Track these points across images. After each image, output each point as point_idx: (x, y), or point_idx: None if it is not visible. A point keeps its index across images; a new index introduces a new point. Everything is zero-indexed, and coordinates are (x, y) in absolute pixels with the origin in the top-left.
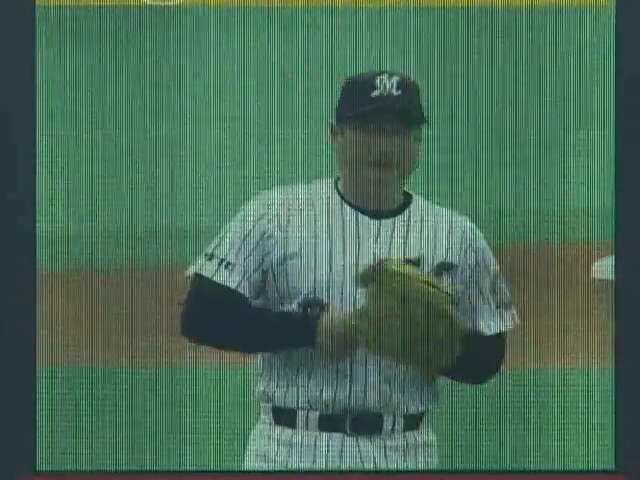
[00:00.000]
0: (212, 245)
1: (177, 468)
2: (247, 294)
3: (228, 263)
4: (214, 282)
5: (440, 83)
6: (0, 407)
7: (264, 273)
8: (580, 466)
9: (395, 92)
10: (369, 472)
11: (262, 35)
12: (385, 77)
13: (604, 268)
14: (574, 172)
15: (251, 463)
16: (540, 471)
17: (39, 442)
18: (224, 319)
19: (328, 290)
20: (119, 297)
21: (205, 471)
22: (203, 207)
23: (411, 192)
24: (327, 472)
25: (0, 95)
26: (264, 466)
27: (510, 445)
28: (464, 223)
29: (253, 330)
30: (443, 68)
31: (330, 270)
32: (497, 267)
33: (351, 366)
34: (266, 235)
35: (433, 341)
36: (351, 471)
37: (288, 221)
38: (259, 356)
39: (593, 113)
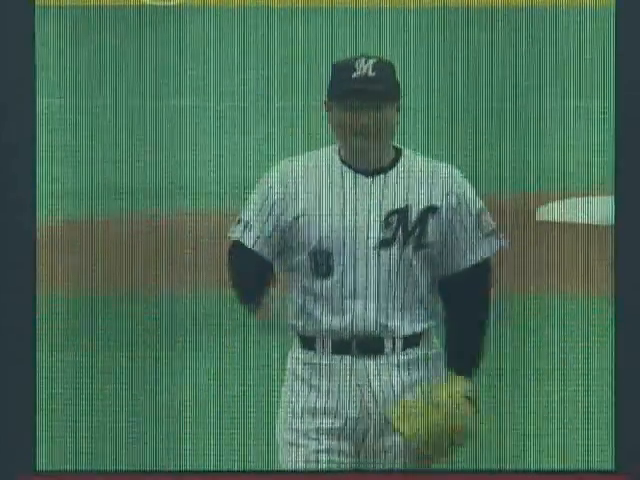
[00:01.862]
0: (241, 211)
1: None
2: (264, 253)
3: (250, 226)
4: (238, 242)
5: (443, 72)
6: (0, 407)
7: (282, 231)
8: (580, 466)
9: (370, 73)
10: (369, 472)
11: (262, 31)
12: (362, 61)
13: (545, 212)
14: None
15: (288, 382)
16: (540, 471)
17: (39, 442)
18: (242, 272)
19: (332, 241)
20: (119, 247)
21: (205, 471)
22: (202, 167)
23: (401, 147)
24: (328, 472)
25: (0, 95)
26: (296, 382)
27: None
28: (446, 170)
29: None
30: (444, 63)
31: (333, 224)
32: (480, 205)
33: (353, 301)
34: (280, 200)
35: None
36: (354, 471)
37: (299, 185)
38: (289, 297)
39: (593, 114)
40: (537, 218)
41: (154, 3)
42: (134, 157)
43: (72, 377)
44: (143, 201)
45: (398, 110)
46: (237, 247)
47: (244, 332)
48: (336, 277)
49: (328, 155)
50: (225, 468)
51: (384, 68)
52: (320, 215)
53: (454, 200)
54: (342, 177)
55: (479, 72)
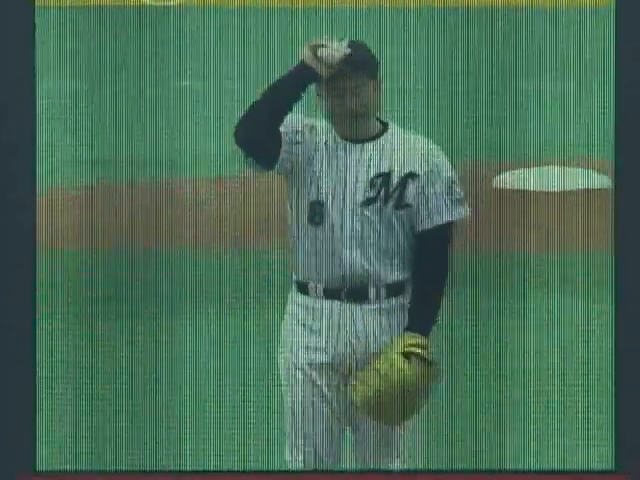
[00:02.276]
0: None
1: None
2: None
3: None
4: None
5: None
6: (0, 407)
7: (291, 164)
8: (580, 466)
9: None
10: (369, 472)
11: (262, 32)
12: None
13: (502, 181)
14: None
15: (286, 321)
16: (540, 471)
17: (39, 442)
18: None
19: (325, 196)
20: (119, 209)
21: (205, 471)
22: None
23: (388, 122)
24: (328, 472)
25: (0, 94)
26: (293, 322)
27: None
28: (424, 144)
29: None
30: (444, 63)
31: (329, 181)
32: (451, 174)
33: (341, 247)
34: (300, 137)
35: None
36: (354, 471)
37: (310, 138)
38: (290, 244)
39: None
40: (494, 185)
41: (154, 3)
42: (134, 129)
43: (72, 350)
44: (144, 170)
45: (379, 87)
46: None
47: (244, 298)
48: (327, 226)
49: (328, 125)
50: (226, 439)
51: (358, 45)
52: (321, 171)
53: (431, 169)
54: (336, 143)
55: (479, 72)
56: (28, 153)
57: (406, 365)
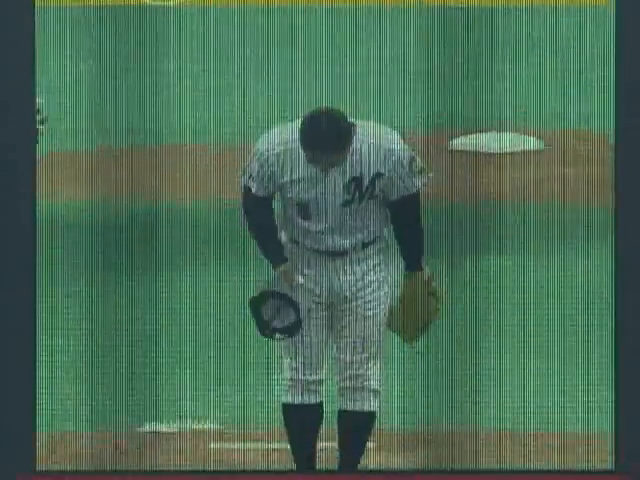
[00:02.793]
0: (247, 165)
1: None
2: (263, 195)
3: (251, 176)
4: (247, 187)
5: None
6: (0, 407)
7: (270, 187)
8: (580, 466)
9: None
10: (369, 472)
11: (262, 31)
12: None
13: (457, 144)
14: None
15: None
16: (540, 471)
17: (39, 442)
18: (250, 210)
19: (310, 200)
20: (119, 166)
21: (205, 471)
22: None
23: (354, 122)
24: (327, 472)
25: (0, 94)
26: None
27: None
28: (385, 141)
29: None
30: (444, 63)
31: (310, 188)
32: (409, 153)
33: (326, 235)
34: (276, 169)
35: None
36: (354, 471)
37: (287, 159)
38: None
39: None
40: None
41: (154, 3)
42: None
43: (72, 309)
44: (144, 138)
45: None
46: (245, 189)
47: (243, 254)
48: (313, 220)
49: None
50: (225, 396)
51: (335, 120)
52: (300, 182)
53: (394, 163)
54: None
55: (479, 72)
56: (28, 151)
57: (432, 301)
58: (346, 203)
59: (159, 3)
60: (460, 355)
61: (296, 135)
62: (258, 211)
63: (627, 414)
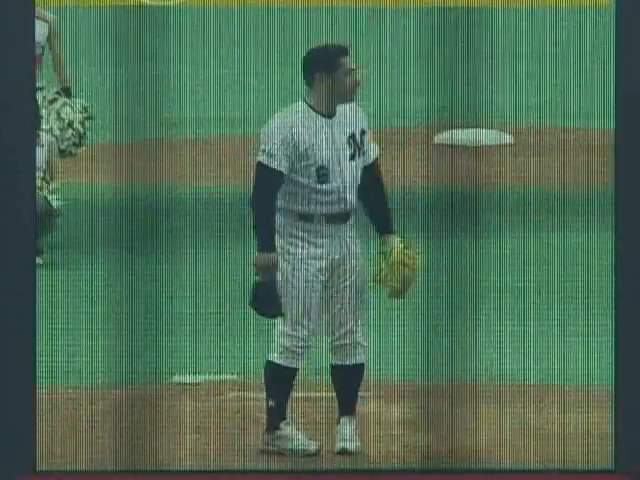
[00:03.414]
0: (263, 145)
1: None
2: (284, 168)
3: (271, 152)
4: (264, 164)
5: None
6: (0, 407)
7: (292, 158)
8: (580, 466)
9: None
10: (369, 472)
11: (262, 31)
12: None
13: (440, 139)
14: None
15: (285, 245)
16: (540, 471)
17: (39, 442)
18: (265, 189)
19: (326, 160)
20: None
21: (205, 471)
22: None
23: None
24: (328, 472)
25: (1, 94)
26: (295, 240)
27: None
28: (357, 108)
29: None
30: (444, 63)
31: (324, 150)
32: (367, 123)
33: (340, 191)
34: (292, 139)
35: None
36: (355, 471)
37: (300, 130)
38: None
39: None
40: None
41: (154, 3)
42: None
43: (72, 284)
44: (144, 131)
45: (345, 74)
46: (261, 168)
47: (243, 230)
48: (330, 180)
49: (304, 108)
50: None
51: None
52: (318, 145)
53: (366, 123)
54: (315, 120)
55: (478, 71)
56: (28, 150)
57: (410, 262)
58: (352, 157)
59: (159, 3)
60: (460, 314)
61: (304, 106)
62: (273, 190)
63: (627, 414)
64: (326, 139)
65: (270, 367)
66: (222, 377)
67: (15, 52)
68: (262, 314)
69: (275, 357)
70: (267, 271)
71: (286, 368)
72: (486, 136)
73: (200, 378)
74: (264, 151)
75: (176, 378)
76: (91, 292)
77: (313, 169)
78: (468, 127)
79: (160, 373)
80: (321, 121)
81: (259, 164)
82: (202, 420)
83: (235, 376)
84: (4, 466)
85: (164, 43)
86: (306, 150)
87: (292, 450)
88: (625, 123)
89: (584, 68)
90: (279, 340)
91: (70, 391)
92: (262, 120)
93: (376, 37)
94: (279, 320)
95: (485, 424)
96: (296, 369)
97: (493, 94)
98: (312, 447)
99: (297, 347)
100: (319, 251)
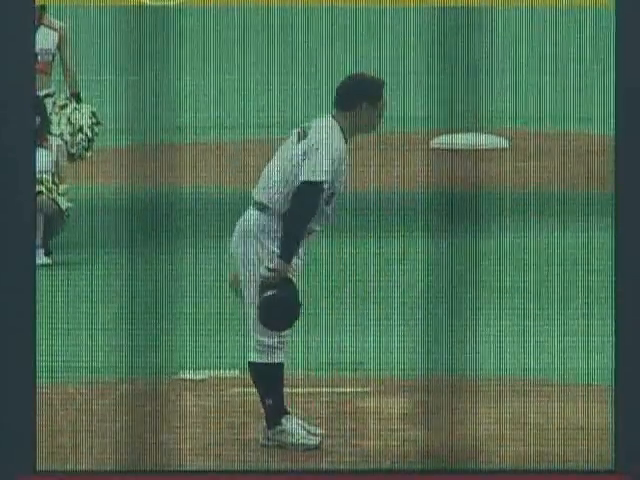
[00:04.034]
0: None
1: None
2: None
3: (325, 170)
4: (317, 182)
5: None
6: (0, 407)
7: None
8: (580, 466)
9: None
10: (369, 472)
11: (262, 31)
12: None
13: (436, 142)
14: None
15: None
16: (540, 471)
17: (39, 442)
18: (313, 206)
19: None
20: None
21: (205, 471)
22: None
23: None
24: (328, 472)
25: (0, 94)
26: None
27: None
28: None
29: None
30: (444, 63)
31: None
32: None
33: (334, 209)
34: (338, 158)
35: None
36: (354, 471)
37: (340, 151)
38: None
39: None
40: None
41: (154, 3)
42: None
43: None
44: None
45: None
46: (317, 188)
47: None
48: (331, 203)
49: (339, 129)
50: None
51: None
52: (343, 169)
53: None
54: (345, 141)
55: (478, 71)
56: (28, 150)
57: None
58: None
59: (159, 3)
60: (460, 311)
61: (337, 126)
62: (319, 206)
63: (627, 414)
64: (346, 164)
65: (254, 368)
66: (223, 373)
67: (15, 52)
68: (289, 324)
69: (257, 357)
70: (281, 281)
71: (270, 365)
72: (484, 140)
73: (202, 375)
74: (314, 170)
75: (181, 375)
76: (91, 292)
77: (333, 189)
78: (466, 132)
79: (160, 372)
80: (344, 145)
81: (313, 182)
82: (205, 416)
83: (236, 372)
84: (4, 466)
85: (164, 44)
86: (339, 173)
87: (293, 444)
88: (625, 123)
89: (584, 68)
90: (257, 339)
91: (70, 391)
92: (262, 122)
93: (376, 38)
94: (253, 320)
95: (484, 422)
96: (281, 364)
97: (493, 95)
98: (312, 441)
99: (275, 342)
100: (299, 260)
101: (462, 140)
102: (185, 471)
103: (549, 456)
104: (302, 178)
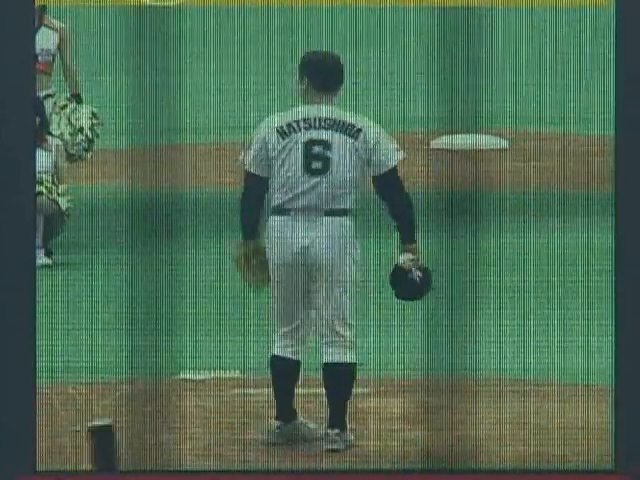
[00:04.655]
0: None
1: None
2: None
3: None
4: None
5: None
6: (0, 407)
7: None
8: (580, 466)
9: None
10: (370, 472)
11: (262, 31)
12: None
13: (437, 143)
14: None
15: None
16: (540, 471)
17: (39, 442)
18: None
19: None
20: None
21: (205, 471)
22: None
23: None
24: (327, 472)
25: (1, 94)
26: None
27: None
28: None
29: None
30: (444, 63)
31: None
32: None
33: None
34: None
35: None
36: (354, 471)
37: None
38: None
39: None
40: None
41: (154, 3)
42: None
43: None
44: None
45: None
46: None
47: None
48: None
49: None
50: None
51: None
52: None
53: None
54: None
55: (478, 71)
56: (28, 150)
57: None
58: None
59: (159, 3)
60: (460, 310)
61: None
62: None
63: (627, 414)
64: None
65: (352, 369)
66: (224, 374)
67: (15, 53)
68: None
69: (352, 357)
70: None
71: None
72: (484, 140)
73: (202, 375)
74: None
75: (181, 375)
76: (91, 292)
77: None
78: (466, 132)
79: (161, 373)
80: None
81: (397, 166)
82: (205, 416)
83: (237, 373)
84: (4, 466)
85: (164, 44)
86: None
87: (303, 437)
88: (625, 123)
89: (584, 69)
90: (350, 339)
91: (71, 391)
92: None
93: (376, 38)
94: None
95: (485, 422)
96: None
97: (493, 95)
98: (319, 431)
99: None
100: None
101: (462, 140)
102: (185, 471)
103: (549, 456)
104: (391, 164)
